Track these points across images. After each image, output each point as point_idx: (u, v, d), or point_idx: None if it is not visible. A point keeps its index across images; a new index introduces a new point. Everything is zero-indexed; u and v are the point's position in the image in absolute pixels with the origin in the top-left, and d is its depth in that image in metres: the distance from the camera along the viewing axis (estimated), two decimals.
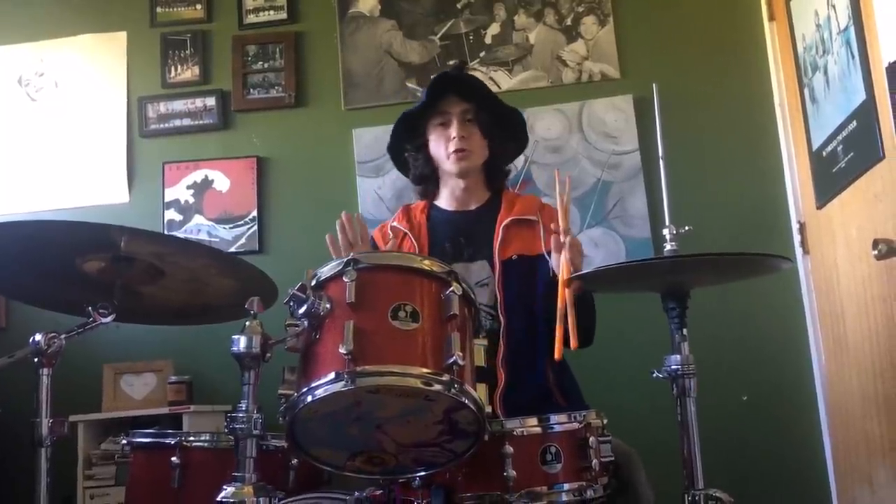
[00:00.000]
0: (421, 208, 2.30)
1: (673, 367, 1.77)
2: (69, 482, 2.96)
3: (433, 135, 2.24)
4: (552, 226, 1.95)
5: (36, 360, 1.64)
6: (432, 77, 2.25)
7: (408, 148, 2.30)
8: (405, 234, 2.22)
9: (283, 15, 3.74)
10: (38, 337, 1.64)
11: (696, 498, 1.71)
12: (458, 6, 3.65)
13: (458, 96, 2.21)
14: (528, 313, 2.08)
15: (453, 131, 2.18)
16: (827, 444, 3.08)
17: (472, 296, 1.59)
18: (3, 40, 3.85)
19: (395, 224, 2.27)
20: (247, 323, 1.41)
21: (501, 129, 2.27)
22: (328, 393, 1.38)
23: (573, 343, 1.77)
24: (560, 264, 1.89)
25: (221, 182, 3.63)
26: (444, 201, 2.31)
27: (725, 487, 1.73)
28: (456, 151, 2.18)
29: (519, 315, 2.07)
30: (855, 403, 2.74)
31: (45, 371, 1.66)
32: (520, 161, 3.43)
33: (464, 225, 2.23)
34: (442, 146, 2.21)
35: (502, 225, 2.16)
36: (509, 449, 1.54)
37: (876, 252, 2.22)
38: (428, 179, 2.30)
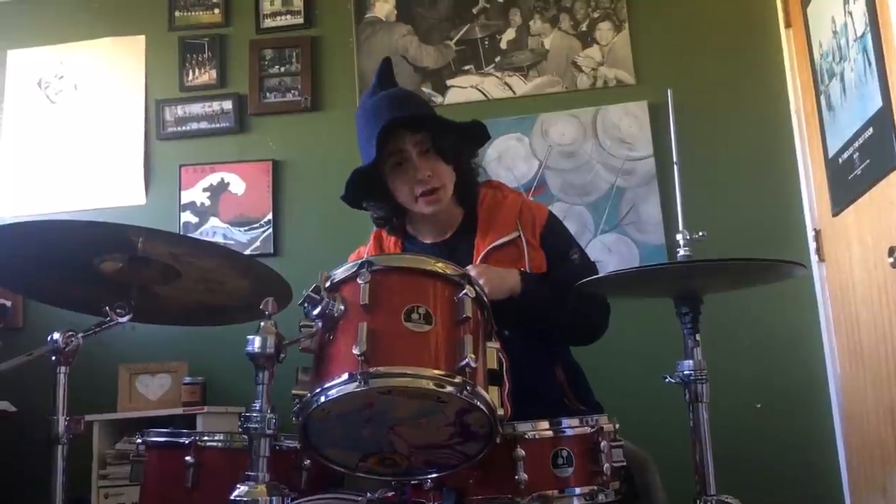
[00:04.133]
0: (394, 241, 2.12)
1: (685, 372, 1.77)
2: (84, 482, 2.99)
3: (392, 177, 1.98)
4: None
5: (54, 357, 1.66)
6: (370, 117, 1.96)
7: (367, 200, 2.07)
8: None
9: (300, 20, 3.77)
10: (56, 335, 1.66)
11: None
12: (474, 11, 3.67)
13: (406, 128, 1.94)
14: (519, 331, 1.89)
15: (417, 173, 1.94)
16: (841, 451, 3.07)
17: (485, 299, 1.59)
18: (24, 43, 3.90)
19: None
20: (261, 323, 1.41)
21: (462, 143, 2.04)
22: (341, 393, 1.38)
23: None
24: None
25: (237, 185, 3.65)
26: (418, 232, 2.13)
27: (738, 494, 1.72)
28: (424, 195, 1.96)
29: (511, 334, 1.82)
30: (869, 411, 2.72)
31: (63, 369, 1.67)
32: (534, 166, 3.45)
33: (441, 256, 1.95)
34: (406, 189, 1.97)
35: (480, 257, 1.98)
36: (521, 452, 1.53)
37: (892, 260, 2.22)
38: (391, 219, 2.09)
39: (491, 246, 2.00)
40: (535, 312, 1.94)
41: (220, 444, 1.84)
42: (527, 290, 1.90)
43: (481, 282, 1.71)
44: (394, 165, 1.98)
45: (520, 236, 2.02)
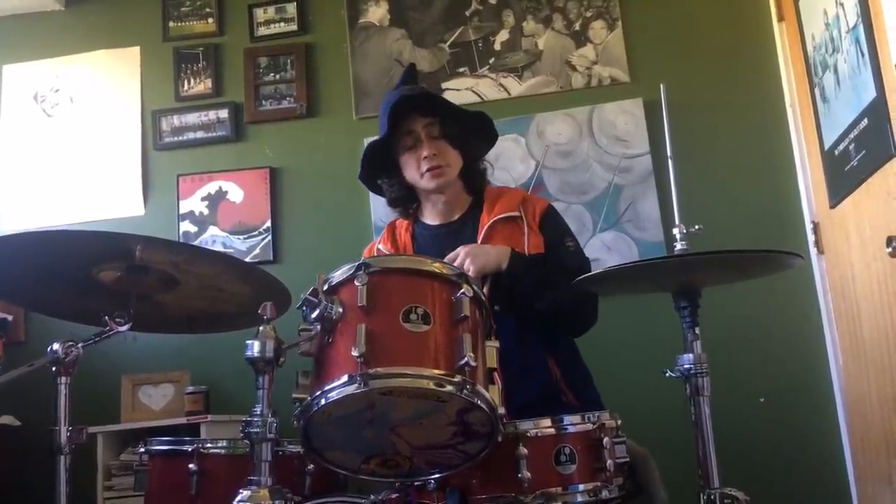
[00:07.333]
0: (405, 226, 2.29)
1: (685, 366, 1.78)
2: (90, 494, 2.98)
3: (403, 157, 2.19)
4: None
5: (54, 368, 1.67)
6: (388, 101, 2.16)
7: (381, 176, 2.27)
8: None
9: (294, 27, 3.77)
10: (55, 346, 1.66)
11: (712, 497, 1.71)
12: (467, 14, 3.67)
13: (420, 113, 2.16)
14: (518, 313, 2.04)
15: (424, 150, 2.14)
16: (845, 443, 3.06)
17: (483, 298, 1.59)
18: (20, 57, 3.90)
19: (380, 246, 2.29)
20: (260, 328, 1.42)
21: (470, 134, 2.22)
22: (341, 395, 1.39)
23: None
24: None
25: (235, 193, 3.66)
26: (428, 215, 2.29)
27: (742, 487, 1.72)
28: (430, 170, 2.14)
29: (508, 316, 1.99)
30: (873, 402, 2.72)
31: (64, 380, 1.68)
32: (531, 167, 3.45)
33: (448, 239, 2.17)
34: (414, 167, 2.17)
35: (484, 228, 2.15)
36: (523, 450, 1.54)
37: (890, 249, 2.22)
38: (405, 201, 2.27)
39: (496, 218, 2.16)
40: (520, 291, 2.03)
41: (222, 450, 1.85)
42: (512, 267, 2.03)
43: (467, 261, 1.93)
44: (406, 146, 2.17)
45: (521, 217, 2.17)
